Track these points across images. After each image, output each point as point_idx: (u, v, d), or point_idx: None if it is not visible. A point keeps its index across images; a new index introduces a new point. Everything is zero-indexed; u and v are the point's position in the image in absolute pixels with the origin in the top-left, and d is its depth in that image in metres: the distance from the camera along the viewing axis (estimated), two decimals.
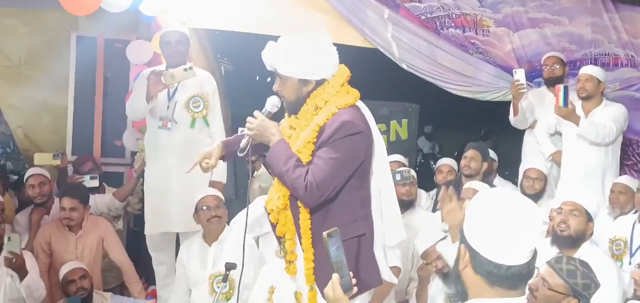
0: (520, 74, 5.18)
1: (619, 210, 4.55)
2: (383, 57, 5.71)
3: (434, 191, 5.41)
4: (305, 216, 2.70)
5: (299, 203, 2.69)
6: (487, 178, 4.93)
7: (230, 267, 3.57)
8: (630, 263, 4.13)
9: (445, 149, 9.40)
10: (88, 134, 6.14)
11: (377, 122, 2.84)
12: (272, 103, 2.84)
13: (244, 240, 3.00)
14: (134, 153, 5.88)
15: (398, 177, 4.45)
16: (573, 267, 2.82)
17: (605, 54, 5.62)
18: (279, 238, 2.86)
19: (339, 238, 2.12)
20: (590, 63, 5.38)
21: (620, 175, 4.90)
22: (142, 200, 5.07)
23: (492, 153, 5.32)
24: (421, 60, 5.68)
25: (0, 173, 6.06)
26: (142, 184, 4.91)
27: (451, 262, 3.12)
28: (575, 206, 3.63)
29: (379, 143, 2.82)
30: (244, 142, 2.82)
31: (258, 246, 4.15)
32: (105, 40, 6.16)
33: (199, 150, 4.41)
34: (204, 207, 4.10)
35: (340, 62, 2.79)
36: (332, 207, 2.68)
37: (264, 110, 2.82)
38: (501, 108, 5.71)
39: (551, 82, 5.23)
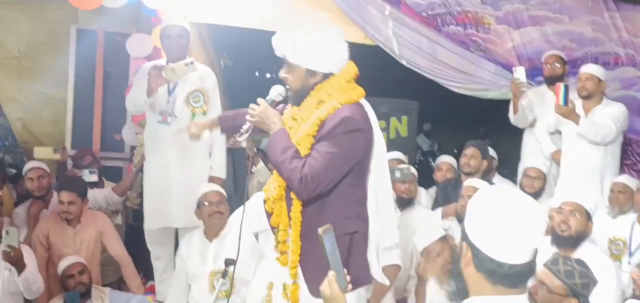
0: (520, 72, 5.17)
1: (618, 209, 4.55)
2: (383, 54, 5.70)
3: (434, 189, 5.40)
4: (297, 208, 2.71)
5: (292, 195, 2.70)
6: (486, 176, 4.92)
7: (229, 262, 3.56)
8: (629, 263, 4.14)
9: (445, 147, 9.39)
10: (87, 128, 6.13)
11: (377, 119, 2.84)
12: (277, 91, 2.84)
13: (240, 231, 3.00)
14: (133, 148, 5.86)
15: (398, 174, 4.44)
16: (570, 267, 2.82)
17: (606, 53, 5.62)
18: (273, 228, 2.87)
19: (333, 235, 2.12)
20: (591, 62, 5.36)
21: (620, 174, 4.90)
22: (141, 195, 5.06)
23: (492, 152, 5.32)
24: (422, 57, 5.67)
25: None
26: (141, 179, 4.90)
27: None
28: (575, 206, 3.63)
29: (380, 143, 2.82)
30: (245, 127, 2.82)
31: (258, 241, 4.14)
32: (105, 33, 6.14)
33: (198, 146, 4.49)
34: (206, 203, 4.09)
35: None
36: (325, 201, 2.69)
37: (267, 97, 2.82)
38: (501, 106, 5.70)
39: (551, 81, 5.22)
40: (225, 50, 7.54)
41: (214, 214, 4.07)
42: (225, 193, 4.24)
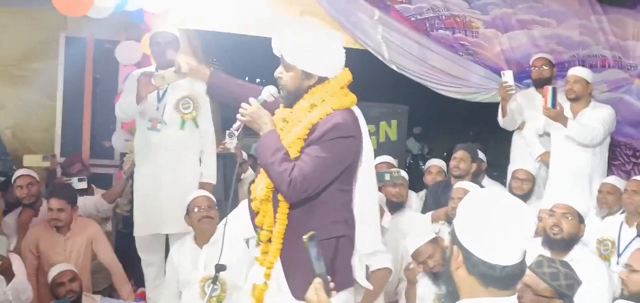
0: (508, 76, 5.21)
1: (606, 210, 4.59)
2: (373, 58, 5.72)
3: (424, 192, 5.42)
4: (284, 211, 2.71)
5: (280, 197, 2.70)
6: (475, 179, 4.95)
7: (219, 268, 3.55)
8: (617, 263, 4.16)
9: (435, 150, 9.43)
10: (77, 135, 6.11)
11: (367, 123, 2.85)
12: (269, 92, 2.84)
13: (224, 229, 3.04)
14: (123, 155, 5.85)
15: (388, 177, 4.45)
16: (555, 269, 2.84)
17: (593, 56, 5.67)
18: (256, 227, 2.88)
19: (317, 242, 2.12)
20: (579, 64, 5.39)
21: (607, 175, 4.94)
22: (131, 202, 5.04)
23: (481, 155, 5.34)
24: (411, 62, 5.70)
25: None
26: (131, 186, 4.88)
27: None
28: (567, 209, 3.63)
29: (368, 149, 2.82)
30: (235, 125, 2.81)
31: (248, 247, 4.13)
32: (94, 40, 6.13)
33: (188, 152, 4.48)
34: (196, 208, 4.08)
35: None
36: (313, 205, 2.69)
37: (259, 98, 2.82)
38: (490, 109, 5.73)
39: (540, 84, 5.25)
40: (214, 56, 7.53)
41: (203, 219, 4.06)
42: (214, 199, 4.23)
